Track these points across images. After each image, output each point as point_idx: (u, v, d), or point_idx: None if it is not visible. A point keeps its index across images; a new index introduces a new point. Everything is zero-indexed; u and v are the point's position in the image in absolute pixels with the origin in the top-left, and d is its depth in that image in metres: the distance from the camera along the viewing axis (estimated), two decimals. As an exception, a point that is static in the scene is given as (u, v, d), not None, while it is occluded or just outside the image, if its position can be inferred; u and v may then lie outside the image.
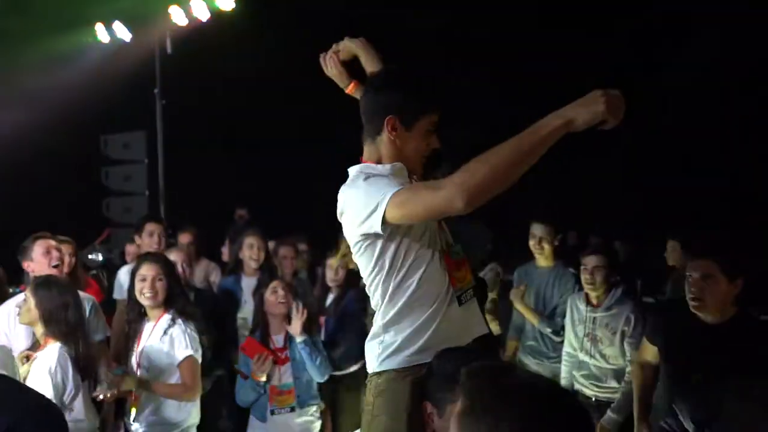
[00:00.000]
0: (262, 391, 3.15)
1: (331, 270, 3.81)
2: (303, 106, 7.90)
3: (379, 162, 1.84)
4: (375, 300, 1.86)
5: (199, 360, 2.85)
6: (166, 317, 2.88)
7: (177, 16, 6.10)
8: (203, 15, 6.01)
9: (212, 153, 7.68)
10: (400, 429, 1.75)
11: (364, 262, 1.83)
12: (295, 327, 3.18)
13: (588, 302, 3.40)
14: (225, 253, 4.89)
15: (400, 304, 1.80)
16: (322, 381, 3.24)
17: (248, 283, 3.83)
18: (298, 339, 3.17)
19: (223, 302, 3.91)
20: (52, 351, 2.59)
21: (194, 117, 7.21)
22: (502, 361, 1.47)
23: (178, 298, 2.92)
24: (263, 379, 3.12)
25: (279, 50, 7.41)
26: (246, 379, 3.17)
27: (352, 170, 1.88)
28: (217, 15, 5.98)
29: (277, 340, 3.25)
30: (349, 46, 2.16)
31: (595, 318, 3.35)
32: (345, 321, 3.65)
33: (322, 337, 3.60)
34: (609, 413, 3.21)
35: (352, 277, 3.80)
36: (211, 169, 7.55)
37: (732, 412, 2.26)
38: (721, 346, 2.42)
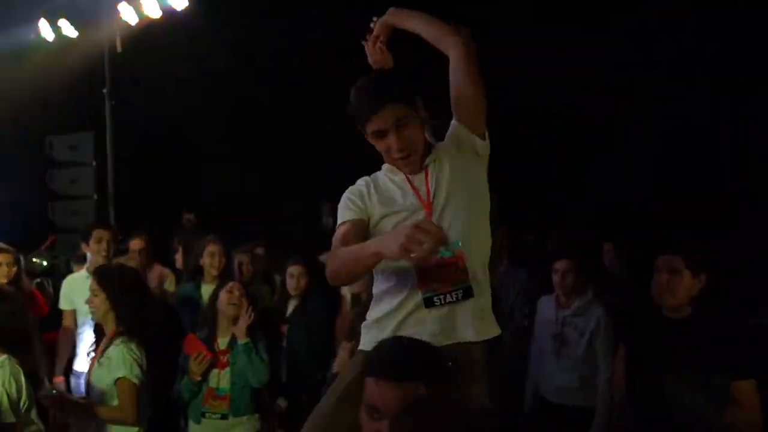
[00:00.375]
0: (197, 390, 3.09)
1: (293, 278, 3.75)
2: (257, 107, 7.80)
3: None
4: None
5: (136, 381, 2.65)
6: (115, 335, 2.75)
7: (127, 14, 5.90)
8: (155, 13, 5.83)
9: (163, 155, 7.48)
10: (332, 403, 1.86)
11: None
12: (240, 328, 3.14)
13: (558, 303, 3.43)
14: (178, 260, 4.75)
15: (375, 291, 1.99)
16: (257, 386, 3.17)
17: (208, 291, 3.72)
18: (241, 341, 3.12)
19: (178, 311, 3.81)
20: (3, 363, 2.51)
21: (145, 118, 7.00)
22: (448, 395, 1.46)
23: (124, 314, 2.74)
24: (198, 378, 3.07)
25: (232, 50, 7.28)
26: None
27: None
28: (169, 13, 5.81)
29: (222, 342, 3.20)
30: (384, 23, 2.15)
31: (564, 318, 3.38)
32: (312, 327, 3.60)
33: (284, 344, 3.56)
34: None
35: (315, 283, 3.77)
36: (162, 171, 7.36)
37: (687, 403, 2.37)
38: (681, 340, 2.50)
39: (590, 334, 3.30)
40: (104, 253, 3.84)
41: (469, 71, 1.94)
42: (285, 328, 3.75)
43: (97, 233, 3.89)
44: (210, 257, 3.83)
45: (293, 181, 7.93)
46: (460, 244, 1.89)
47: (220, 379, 3.11)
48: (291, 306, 3.81)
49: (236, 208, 7.54)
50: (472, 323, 1.90)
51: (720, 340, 2.47)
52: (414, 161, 1.96)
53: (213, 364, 3.12)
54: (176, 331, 3.55)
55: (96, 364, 2.74)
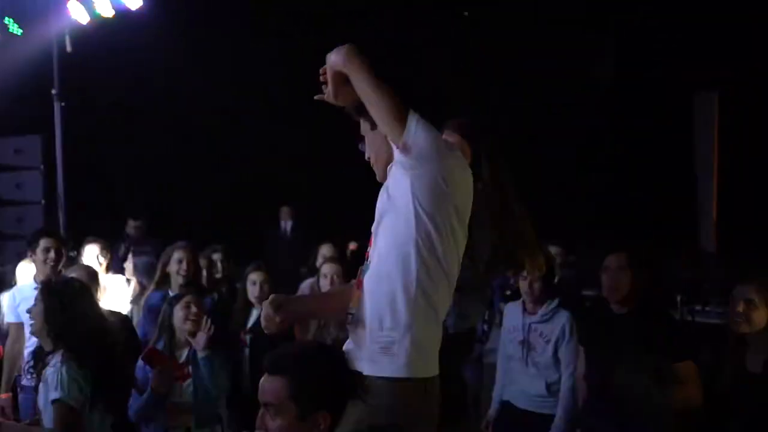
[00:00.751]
0: (161, 406, 2.99)
1: (255, 285, 3.65)
2: (212, 110, 7.65)
3: None
4: None
5: (74, 404, 2.48)
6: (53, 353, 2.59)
7: (77, 13, 5.67)
8: (107, 12, 5.63)
9: (116, 158, 7.26)
10: None
11: None
12: (200, 341, 3.05)
13: (524, 310, 3.45)
14: (129, 268, 4.56)
15: None
16: (216, 399, 3.09)
17: None
18: (201, 354, 3.03)
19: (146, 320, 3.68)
20: None
21: (97, 120, 6.78)
22: None
23: (58, 331, 2.57)
24: (164, 392, 2.97)
25: (187, 50, 7.12)
26: (142, 393, 2.98)
27: None
28: (123, 12, 5.62)
29: (181, 355, 3.11)
30: (333, 72, 1.87)
31: (530, 325, 3.40)
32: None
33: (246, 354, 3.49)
34: None
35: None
36: (115, 176, 7.14)
37: (633, 385, 2.62)
38: (627, 331, 2.78)
39: (555, 341, 3.33)
40: (52, 263, 3.65)
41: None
42: (246, 337, 3.65)
43: (44, 242, 3.70)
44: (177, 264, 3.70)
45: (249, 184, 7.81)
46: (368, 269, 1.84)
47: (182, 392, 3.02)
48: (254, 314, 3.70)
49: (191, 212, 7.37)
50: (367, 355, 1.79)
51: (661, 329, 2.77)
52: (377, 169, 1.92)
53: (175, 378, 3.02)
54: (131, 343, 3.41)
55: (40, 383, 2.60)
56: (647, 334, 2.74)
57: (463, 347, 2.40)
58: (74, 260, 4.53)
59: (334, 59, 1.83)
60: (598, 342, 2.95)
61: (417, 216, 1.76)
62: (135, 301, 4.21)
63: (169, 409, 3.01)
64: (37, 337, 2.69)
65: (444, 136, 2.13)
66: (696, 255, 7.23)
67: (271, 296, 1.93)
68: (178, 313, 3.11)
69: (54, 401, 2.47)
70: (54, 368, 2.51)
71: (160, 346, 3.13)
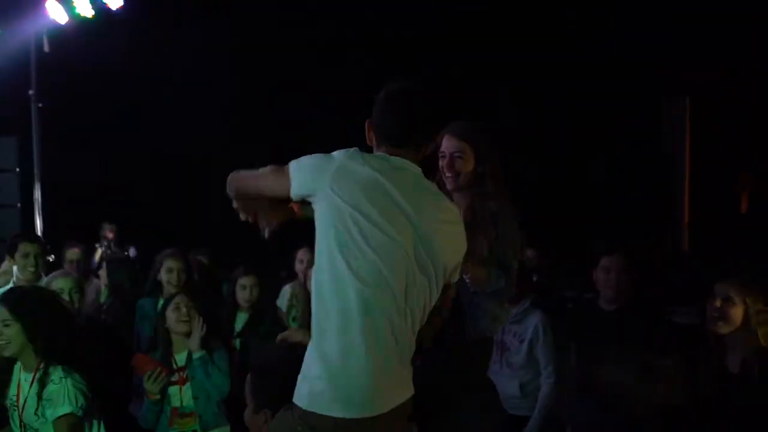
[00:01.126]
0: (158, 410, 2.97)
1: (244, 290, 3.63)
2: (191, 112, 7.58)
3: None
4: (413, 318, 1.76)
5: (80, 413, 2.43)
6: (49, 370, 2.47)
7: (55, 12, 5.59)
8: (87, 12, 5.55)
9: (94, 161, 7.15)
10: None
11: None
12: (194, 341, 3.03)
13: None
14: (102, 275, 4.37)
15: None
16: (220, 399, 3.05)
17: None
18: (196, 354, 3.02)
19: (118, 329, 3.60)
20: None
21: (75, 122, 6.67)
22: None
23: (45, 344, 2.45)
24: (157, 397, 2.94)
25: (167, 52, 7.05)
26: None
27: (431, 185, 1.88)
28: (104, 13, 5.55)
29: (180, 359, 3.08)
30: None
31: (503, 327, 3.35)
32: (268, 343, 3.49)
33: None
34: None
35: (265, 297, 3.67)
36: (92, 178, 7.03)
37: (614, 379, 2.65)
38: (612, 327, 2.91)
39: (530, 340, 3.35)
40: (32, 269, 3.55)
41: None
42: (234, 342, 3.59)
43: (23, 247, 3.57)
44: (168, 273, 3.62)
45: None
46: None
47: (183, 396, 2.99)
48: (241, 319, 3.65)
49: (169, 216, 7.29)
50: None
51: (649, 326, 2.91)
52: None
53: (172, 381, 2.99)
54: (115, 349, 3.35)
55: (26, 403, 2.46)
56: (635, 330, 2.84)
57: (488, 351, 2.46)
58: (53, 265, 4.45)
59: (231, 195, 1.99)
60: (587, 339, 3.03)
61: (319, 242, 1.75)
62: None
63: (173, 413, 2.98)
64: (13, 354, 2.48)
65: (445, 140, 2.24)
66: (668, 255, 7.39)
67: None
68: (170, 315, 3.08)
69: (62, 416, 2.39)
70: (60, 384, 2.42)
71: (158, 354, 3.08)
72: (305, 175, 1.77)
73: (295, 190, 1.78)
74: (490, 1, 7.08)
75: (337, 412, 1.65)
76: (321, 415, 1.65)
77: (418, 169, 1.80)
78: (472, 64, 7.18)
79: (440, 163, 2.25)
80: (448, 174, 2.23)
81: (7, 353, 2.47)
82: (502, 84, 7.28)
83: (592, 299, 3.21)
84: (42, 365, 2.47)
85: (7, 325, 2.43)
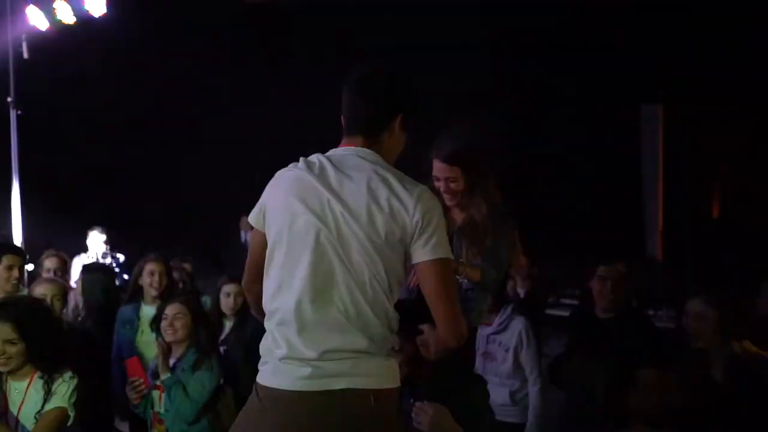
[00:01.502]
0: (142, 413, 3.02)
1: (228, 297, 3.65)
2: (171, 118, 7.57)
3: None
4: (374, 298, 1.71)
5: (70, 413, 2.46)
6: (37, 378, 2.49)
7: (36, 19, 5.55)
8: (68, 19, 5.53)
9: (73, 168, 7.09)
10: None
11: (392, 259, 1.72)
12: (174, 349, 3.05)
13: None
14: (78, 286, 4.20)
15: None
16: (192, 409, 2.96)
17: (148, 312, 3.52)
18: (175, 363, 3.03)
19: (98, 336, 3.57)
20: None
21: (54, 128, 6.61)
22: None
23: (40, 358, 2.47)
24: (136, 403, 2.99)
25: (146, 59, 7.04)
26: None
27: (377, 159, 1.79)
28: (84, 20, 5.52)
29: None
30: None
31: (488, 336, 3.43)
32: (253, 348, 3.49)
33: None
34: None
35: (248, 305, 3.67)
36: (71, 185, 6.97)
37: (601, 384, 2.61)
38: (605, 335, 2.97)
39: (515, 348, 3.37)
40: (15, 281, 3.48)
41: None
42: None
43: (7, 259, 3.45)
44: (149, 276, 3.61)
45: (209, 194, 7.74)
46: None
47: (162, 404, 2.98)
48: (227, 326, 3.68)
49: (149, 222, 7.27)
50: None
51: (639, 334, 2.97)
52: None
53: (156, 385, 3.00)
54: (94, 356, 3.35)
55: (21, 409, 2.48)
56: (626, 338, 2.90)
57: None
58: (33, 274, 4.40)
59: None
60: (581, 345, 3.12)
61: None
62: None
63: (153, 417, 2.99)
64: (13, 369, 2.47)
65: (436, 164, 2.44)
66: (642, 262, 7.54)
67: None
68: (163, 324, 3.05)
69: (57, 407, 2.44)
70: (66, 382, 2.47)
71: (153, 364, 3.09)
72: (252, 214, 1.91)
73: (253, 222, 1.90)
74: (470, 9, 7.17)
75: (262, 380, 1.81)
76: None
77: (366, 152, 1.79)
78: (451, 75, 7.26)
79: (435, 184, 2.44)
80: (446, 195, 2.45)
81: (4, 369, 2.47)
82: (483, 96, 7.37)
83: (586, 307, 3.31)
84: (37, 374, 2.49)
85: (13, 344, 2.43)
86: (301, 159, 1.82)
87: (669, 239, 8.26)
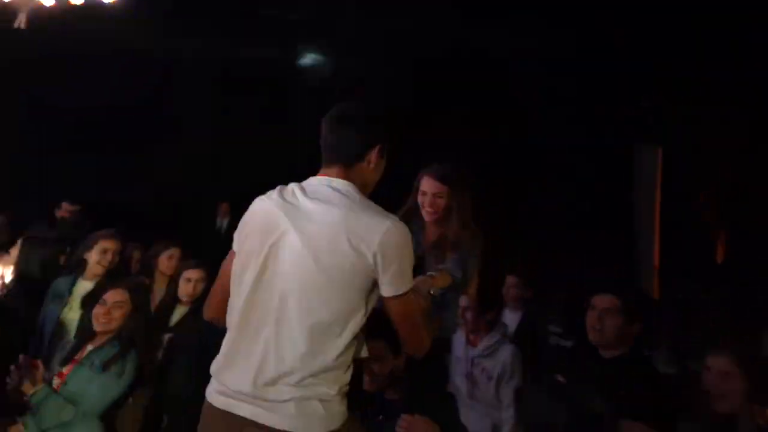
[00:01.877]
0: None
1: (189, 283, 3.49)
2: (153, 104, 7.56)
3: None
4: (332, 328, 1.77)
5: None
6: None
7: None
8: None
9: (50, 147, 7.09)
10: None
11: (352, 286, 1.78)
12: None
13: (467, 340, 3.31)
14: (13, 254, 3.91)
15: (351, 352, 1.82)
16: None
17: (84, 287, 3.36)
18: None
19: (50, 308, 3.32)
20: None
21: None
22: None
23: None
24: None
25: (144, 45, 7.06)
26: None
27: (349, 190, 1.86)
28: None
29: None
30: None
31: (473, 359, 3.26)
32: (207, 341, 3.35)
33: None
34: None
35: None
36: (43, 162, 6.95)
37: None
38: (605, 377, 2.55)
39: (498, 378, 3.20)
40: None
41: None
42: (164, 337, 3.36)
43: None
44: (101, 254, 3.43)
45: (188, 179, 7.69)
46: None
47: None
48: (176, 313, 3.50)
49: (127, 204, 7.19)
50: None
51: (637, 384, 2.51)
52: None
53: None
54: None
55: None
56: (622, 386, 2.52)
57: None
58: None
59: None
60: (578, 385, 2.66)
61: None
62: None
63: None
64: None
65: (426, 179, 2.65)
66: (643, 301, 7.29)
67: None
68: (97, 310, 2.85)
69: None
70: None
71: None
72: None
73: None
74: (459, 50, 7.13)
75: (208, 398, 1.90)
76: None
77: (341, 184, 1.86)
78: (440, 108, 7.20)
79: (420, 198, 2.64)
80: (429, 209, 2.62)
81: None
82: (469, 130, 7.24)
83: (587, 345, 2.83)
84: None
85: None
86: (278, 188, 1.89)
87: (665, 279, 8.03)
